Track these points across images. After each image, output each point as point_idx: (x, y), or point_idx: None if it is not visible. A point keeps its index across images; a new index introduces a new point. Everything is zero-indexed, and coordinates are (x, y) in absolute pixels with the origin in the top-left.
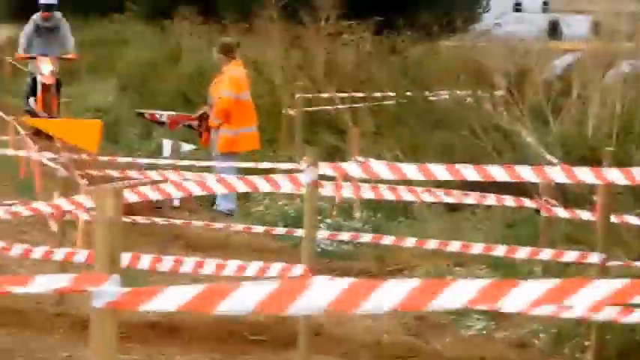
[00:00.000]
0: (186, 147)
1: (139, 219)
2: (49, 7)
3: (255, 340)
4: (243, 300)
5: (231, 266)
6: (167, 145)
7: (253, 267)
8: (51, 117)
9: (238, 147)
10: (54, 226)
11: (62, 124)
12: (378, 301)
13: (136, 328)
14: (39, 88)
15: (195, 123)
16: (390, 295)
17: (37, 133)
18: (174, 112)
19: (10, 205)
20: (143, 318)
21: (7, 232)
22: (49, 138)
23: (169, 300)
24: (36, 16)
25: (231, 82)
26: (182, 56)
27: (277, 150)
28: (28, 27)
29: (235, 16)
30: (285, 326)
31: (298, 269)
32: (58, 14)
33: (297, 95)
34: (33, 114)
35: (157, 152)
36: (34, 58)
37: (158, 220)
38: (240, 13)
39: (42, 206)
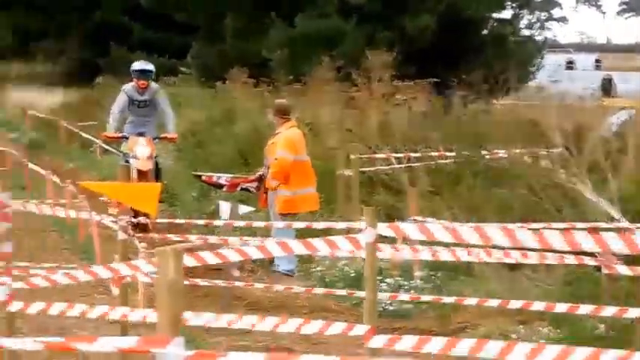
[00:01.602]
0: (244, 209)
1: (200, 281)
2: (145, 75)
3: None
4: None
5: (293, 324)
6: (225, 207)
7: (315, 326)
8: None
9: (297, 208)
10: (115, 290)
11: (121, 188)
12: None
13: None
14: (133, 174)
15: (253, 185)
16: None
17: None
18: (231, 175)
19: (70, 269)
20: None
21: (68, 295)
22: (145, 229)
23: None
24: (128, 87)
25: (287, 143)
26: (236, 118)
27: (335, 211)
28: (120, 100)
29: (288, 78)
30: None
31: (360, 329)
32: (154, 85)
33: (353, 156)
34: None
35: (215, 214)
36: (127, 138)
37: (219, 282)
38: (293, 74)
39: (101, 270)
